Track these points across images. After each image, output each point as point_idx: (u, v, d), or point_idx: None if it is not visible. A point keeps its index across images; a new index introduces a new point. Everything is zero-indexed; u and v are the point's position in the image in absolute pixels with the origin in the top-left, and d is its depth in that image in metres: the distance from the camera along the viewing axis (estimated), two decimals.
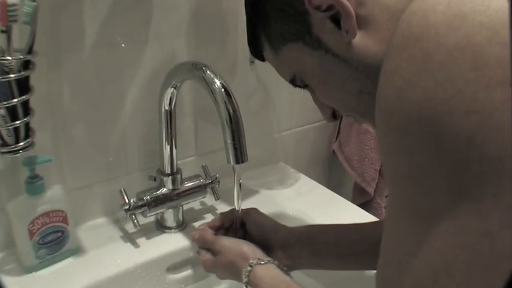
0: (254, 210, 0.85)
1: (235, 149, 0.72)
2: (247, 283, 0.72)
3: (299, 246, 0.79)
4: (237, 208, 0.80)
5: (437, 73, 0.36)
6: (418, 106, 0.37)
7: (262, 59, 0.69)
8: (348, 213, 1.00)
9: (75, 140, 0.87)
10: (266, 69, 0.78)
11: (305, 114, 1.18)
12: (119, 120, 0.90)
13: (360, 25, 0.55)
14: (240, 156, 0.72)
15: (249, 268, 0.72)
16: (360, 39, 0.55)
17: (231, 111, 0.71)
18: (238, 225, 0.83)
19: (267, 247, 0.78)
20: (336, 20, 0.56)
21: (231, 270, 0.76)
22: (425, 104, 0.37)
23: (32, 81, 0.72)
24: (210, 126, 1.01)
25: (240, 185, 0.78)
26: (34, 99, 0.73)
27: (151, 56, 0.90)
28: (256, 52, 0.69)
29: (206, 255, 0.79)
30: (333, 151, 1.25)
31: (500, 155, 0.34)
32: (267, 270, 0.72)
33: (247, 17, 0.67)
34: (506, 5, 0.35)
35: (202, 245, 0.81)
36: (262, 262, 0.72)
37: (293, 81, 0.67)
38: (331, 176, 1.31)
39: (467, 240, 0.37)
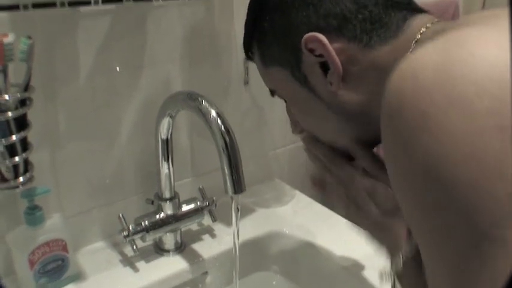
0: None
1: (232, 179, 0.73)
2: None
3: None
4: (235, 235, 0.80)
5: (434, 129, 0.38)
6: (422, 162, 0.39)
7: (252, 60, 0.71)
8: (342, 230, 1.01)
9: (72, 167, 0.87)
10: (260, 89, 0.79)
11: None
12: (115, 146, 0.91)
13: (347, 80, 0.58)
14: (238, 186, 0.73)
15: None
16: (344, 91, 0.59)
17: (228, 141, 0.72)
18: None
19: None
20: (325, 67, 0.59)
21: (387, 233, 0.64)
22: (429, 158, 0.39)
23: (29, 112, 0.73)
24: (206, 147, 1.01)
25: (238, 211, 0.79)
26: (31, 129, 0.74)
27: (147, 81, 0.90)
28: (248, 55, 0.71)
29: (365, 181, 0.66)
30: None
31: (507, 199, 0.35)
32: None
33: (246, 25, 0.69)
34: (487, 61, 0.37)
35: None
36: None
37: (272, 93, 0.70)
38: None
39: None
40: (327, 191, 0.74)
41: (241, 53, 0.98)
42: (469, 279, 0.39)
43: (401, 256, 0.60)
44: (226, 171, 0.72)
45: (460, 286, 0.40)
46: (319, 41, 0.57)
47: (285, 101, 0.70)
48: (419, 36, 0.55)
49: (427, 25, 0.55)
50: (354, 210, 0.69)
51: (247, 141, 1.09)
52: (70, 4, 0.79)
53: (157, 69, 0.91)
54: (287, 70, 0.63)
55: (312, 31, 0.58)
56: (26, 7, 0.75)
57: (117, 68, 0.86)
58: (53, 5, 0.77)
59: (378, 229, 0.67)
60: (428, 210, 0.41)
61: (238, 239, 0.81)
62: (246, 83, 1.01)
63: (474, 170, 0.36)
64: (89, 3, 0.80)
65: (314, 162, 0.72)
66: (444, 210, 0.39)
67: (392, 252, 0.63)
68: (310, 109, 0.64)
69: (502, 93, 0.36)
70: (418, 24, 0.56)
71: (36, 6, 0.76)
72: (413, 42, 0.55)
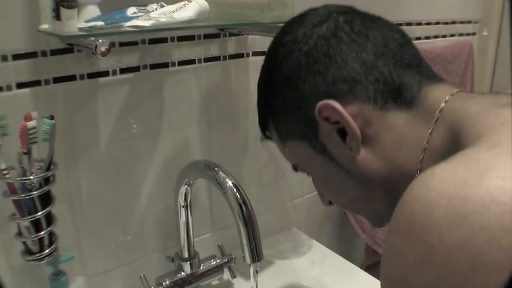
0: None
1: (250, 249, 0.74)
2: None
3: None
4: None
5: (439, 268, 0.38)
6: None
7: (270, 139, 0.71)
8: (360, 282, 1.02)
9: (94, 229, 0.90)
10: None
11: None
12: (135, 208, 0.93)
13: (365, 142, 0.57)
14: (255, 255, 0.75)
15: None
16: (363, 156, 0.58)
17: (245, 211, 0.74)
18: None
19: None
20: (342, 134, 0.58)
21: None
22: None
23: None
24: (224, 201, 1.03)
25: (256, 273, 0.80)
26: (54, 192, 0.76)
27: (165, 145, 0.93)
28: (265, 135, 0.71)
29: None
30: (344, 213, 1.27)
31: None
32: None
33: (258, 104, 0.69)
34: (505, 208, 0.36)
35: None
36: None
37: (295, 168, 0.69)
38: (343, 237, 1.33)
39: None
40: None
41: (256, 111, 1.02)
42: None
43: None
44: (244, 241, 0.74)
45: None
46: (333, 108, 0.56)
47: (308, 174, 0.69)
48: (438, 114, 0.54)
49: (446, 98, 0.54)
50: None
51: (266, 194, 1.11)
52: (89, 76, 0.82)
53: (176, 133, 0.94)
54: (305, 142, 0.62)
55: (323, 99, 0.57)
56: (47, 82, 0.78)
57: (135, 128, 0.88)
58: (73, 78, 0.80)
59: None
60: None
61: None
62: (263, 139, 1.02)
63: None
64: (107, 73, 0.83)
65: None
66: None
67: None
68: (333, 178, 0.63)
69: None
70: (437, 96, 0.55)
71: (56, 80, 0.79)
72: (434, 121, 0.54)
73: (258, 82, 0.68)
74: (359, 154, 0.58)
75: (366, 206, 0.64)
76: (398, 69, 0.57)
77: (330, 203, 0.71)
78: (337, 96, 0.57)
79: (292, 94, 0.61)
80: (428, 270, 0.39)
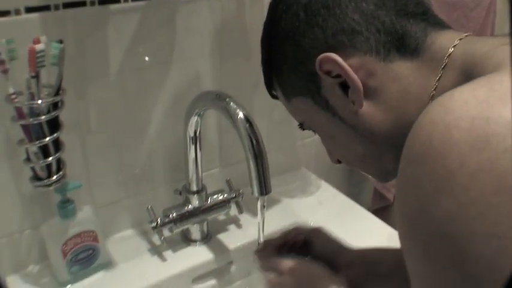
0: (321, 230, 0.83)
1: (259, 181, 0.74)
2: None
3: (364, 268, 0.77)
4: (260, 238, 0.81)
5: (460, 195, 0.36)
6: (441, 224, 0.38)
7: (277, 98, 0.70)
8: (367, 223, 1.02)
9: (102, 160, 0.90)
10: None
11: None
12: (145, 138, 0.93)
13: (368, 95, 0.56)
14: (264, 188, 0.74)
15: None
16: (367, 109, 0.56)
17: (255, 143, 0.73)
18: (301, 243, 0.81)
19: (332, 267, 0.75)
20: (344, 87, 0.56)
21: None
22: (448, 223, 0.37)
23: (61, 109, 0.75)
24: (234, 138, 1.02)
25: (264, 208, 0.80)
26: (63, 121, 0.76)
27: (176, 76, 0.91)
28: (271, 93, 0.70)
29: (271, 276, 0.74)
30: None
31: None
32: None
33: (262, 62, 0.68)
34: None
35: (265, 264, 0.77)
36: None
37: (301, 126, 0.68)
38: (352, 180, 1.33)
39: None
40: None
41: None
42: None
43: None
44: (253, 173, 0.73)
45: None
46: (333, 61, 0.55)
47: (314, 132, 0.68)
48: (446, 60, 0.52)
49: (456, 42, 0.52)
50: None
51: (276, 131, 1.10)
52: (100, 2, 0.79)
53: (187, 64, 0.92)
54: (308, 98, 0.61)
55: (323, 52, 0.56)
56: (56, 7, 0.76)
57: (146, 58, 0.87)
58: (83, 3, 0.78)
59: None
60: (435, 265, 0.40)
61: (263, 233, 0.82)
62: None
63: (494, 249, 0.35)
64: (118, 1, 0.81)
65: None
66: (456, 283, 0.38)
67: None
68: (338, 134, 0.62)
69: None
70: (444, 42, 0.53)
71: (66, 6, 0.77)
72: (442, 67, 0.52)
73: (261, 39, 0.67)
74: (362, 107, 0.56)
75: (372, 162, 0.63)
76: (401, 18, 0.55)
77: (339, 162, 0.69)
78: (338, 48, 0.55)
79: (293, 49, 0.59)
80: (448, 198, 0.37)
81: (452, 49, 0.52)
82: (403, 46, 0.54)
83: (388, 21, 0.54)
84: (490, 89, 0.39)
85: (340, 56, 0.55)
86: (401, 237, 0.44)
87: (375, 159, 0.62)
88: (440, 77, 0.52)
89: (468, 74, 0.49)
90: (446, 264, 0.38)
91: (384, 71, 0.55)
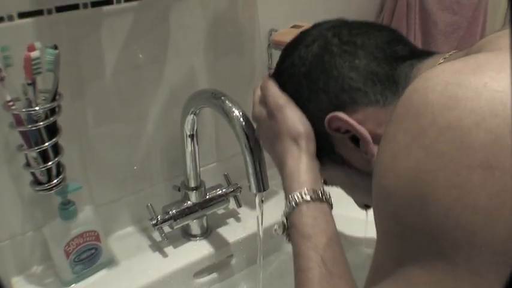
0: None
1: (256, 178, 0.75)
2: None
3: None
4: (260, 234, 0.83)
5: (429, 147, 0.40)
6: (409, 173, 0.41)
7: None
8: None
9: (101, 160, 0.90)
10: None
11: None
12: (142, 138, 0.93)
13: (379, 142, 0.58)
14: (261, 185, 0.75)
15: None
16: None
17: (251, 140, 0.73)
18: None
19: None
20: (356, 139, 0.60)
21: (274, 144, 0.66)
22: (415, 172, 0.40)
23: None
24: (229, 131, 1.03)
25: (262, 203, 0.81)
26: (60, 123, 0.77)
27: (171, 74, 0.92)
28: None
29: (259, 108, 0.69)
30: None
31: (473, 228, 0.37)
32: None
33: None
34: (496, 95, 0.37)
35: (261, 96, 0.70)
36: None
37: (325, 183, 0.70)
38: None
39: None
40: None
41: (264, 40, 1.00)
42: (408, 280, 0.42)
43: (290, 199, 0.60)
44: (250, 170, 0.74)
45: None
46: (340, 119, 0.59)
47: (337, 187, 0.70)
48: None
49: (440, 61, 0.55)
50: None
51: None
52: (93, 5, 0.80)
53: (182, 62, 0.92)
54: (325, 158, 0.64)
55: (330, 112, 0.59)
56: (49, 11, 0.76)
57: (141, 57, 0.87)
58: (76, 7, 0.78)
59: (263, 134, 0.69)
60: (399, 217, 0.42)
61: (262, 226, 0.84)
62: (270, 68, 1.01)
63: (453, 198, 0.38)
64: (111, 2, 0.81)
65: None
66: (415, 224, 0.41)
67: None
68: (358, 183, 0.64)
69: (501, 132, 0.37)
70: (430, 66, 0.55)
71: (59, 9, 0.77)
72: None
73: None
74: (374, 157, 0.59)
75: None
76: (391, 65, 0.59)
77: (367, 206, 0.72)
78: (342, 107, 0.59)
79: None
80: (418, 150, 0.40)
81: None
82: (397, 88, 0.58)
83: (381, 72, 0.58)
84: (465, 62, 0.43)
85: (345, 113, 0.59)
86: (373, 196, 0.47)
87: None
88: None
89: None
90: (409, 206, 0.41)
91: (386, 115, 0.58)
